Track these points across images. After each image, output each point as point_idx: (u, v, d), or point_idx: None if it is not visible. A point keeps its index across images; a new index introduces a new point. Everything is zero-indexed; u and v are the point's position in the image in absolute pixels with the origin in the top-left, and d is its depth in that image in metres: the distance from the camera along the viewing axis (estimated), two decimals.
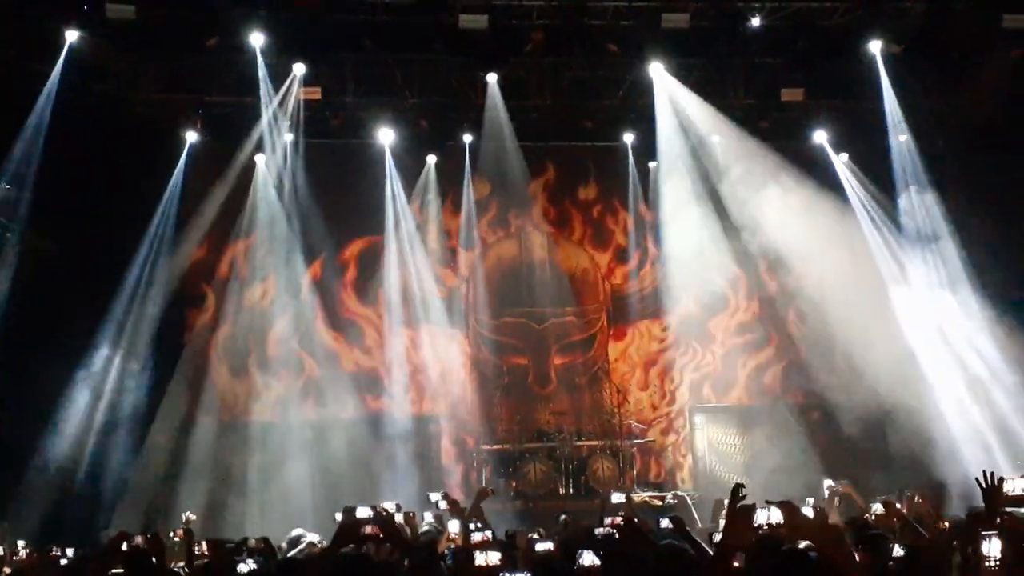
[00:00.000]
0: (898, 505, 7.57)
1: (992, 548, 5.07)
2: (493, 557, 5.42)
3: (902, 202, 16.14)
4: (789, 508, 5.23)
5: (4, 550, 8.95)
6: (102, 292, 14.59)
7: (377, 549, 5.85)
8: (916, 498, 8.12)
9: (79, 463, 13.69)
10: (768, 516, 5.22)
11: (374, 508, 6.74)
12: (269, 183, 16.27)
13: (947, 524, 7.68)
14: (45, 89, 13.55)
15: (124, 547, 5.87)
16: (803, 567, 4.16)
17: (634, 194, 17.36)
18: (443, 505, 9.53)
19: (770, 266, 17.23)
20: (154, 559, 5.68)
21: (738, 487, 6.05)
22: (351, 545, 5.50)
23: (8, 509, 11.75)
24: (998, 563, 4.97)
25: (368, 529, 5.51)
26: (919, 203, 15.93)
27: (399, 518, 8.09)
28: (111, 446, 14.26)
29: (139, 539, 5.93)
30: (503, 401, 16.49)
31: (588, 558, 5.21)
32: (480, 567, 5.34)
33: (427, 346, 16.97)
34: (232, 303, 16.34)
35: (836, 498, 7.22)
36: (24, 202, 13.56)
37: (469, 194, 16.98)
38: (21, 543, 9.63)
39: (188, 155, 15.76)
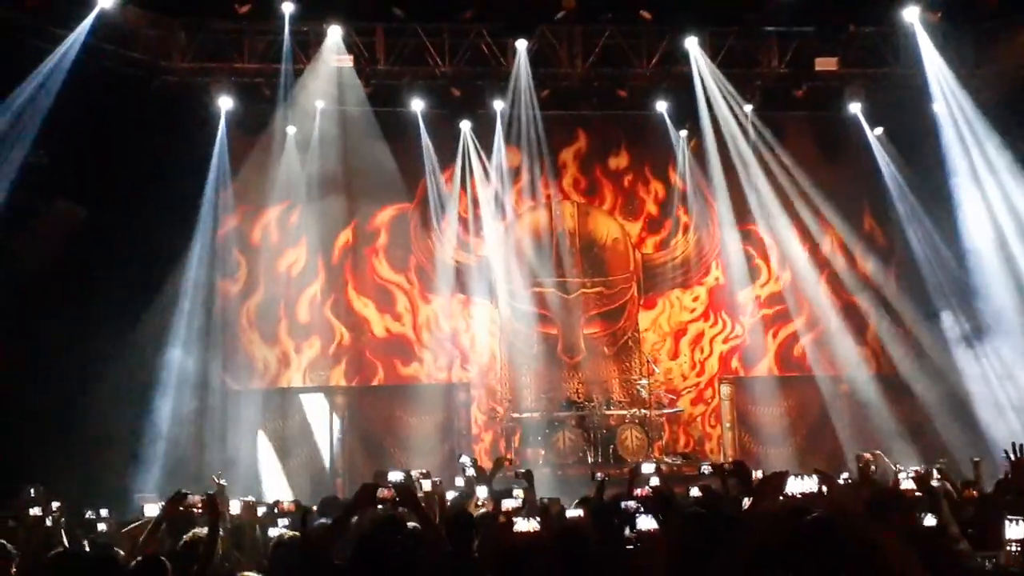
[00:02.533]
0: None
1: (1015, 531, 4.99)
2: (532, 524, 5.44)
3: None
4: (826, 478, 5.22)
5: (40, 511, 9.04)
6: (134, 258, 14.64)
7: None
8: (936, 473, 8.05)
9: (116, 428, 13.79)
10: (803, 485, 5.20)
11: (407, 472, 6.79)
12: (301, 151, 16.29)
13: (975, 493, 7.64)
14: (61, 49, 13.43)
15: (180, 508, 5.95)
16: (826, 535, 4.15)
17: (668, 163, 17.26)
18: (470, 471, 9.60)
19: (803, 237, 17.20)
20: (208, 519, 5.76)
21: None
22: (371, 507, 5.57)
23: (47, 473, 11.87)
24: (1020, 547, 4.90)
25: (383, 493, 5.54)
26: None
27: (427, 485, 8.14)
28: (146, 411, 14.37)
29: (196, 499, 5.99)
30: (533, 370, 16.51)
31: (646, 522, 5.14)
32: (519, 534, 5.36)
33: (457, 314, 17.04)
34: (264, 270, 16.44)
35: (871, 467, 7.19)
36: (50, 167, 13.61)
37: (501, 162, 16.87)
38: (56, 504, 9.71)
39: (228, 124, 15.76)
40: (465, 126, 16.64)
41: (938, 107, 15.53)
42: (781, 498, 5.43)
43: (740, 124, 16.53)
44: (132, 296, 14.41)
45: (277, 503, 7.89)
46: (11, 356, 12.80)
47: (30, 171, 13.22)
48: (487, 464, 11.13)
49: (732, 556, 4.30)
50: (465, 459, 8.78)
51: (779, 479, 4.87)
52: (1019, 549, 4.84)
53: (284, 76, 15.14)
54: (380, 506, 5.86)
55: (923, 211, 16.40)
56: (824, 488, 5.05)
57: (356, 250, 16.93)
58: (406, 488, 5.56)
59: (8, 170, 13.24)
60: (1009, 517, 4.92)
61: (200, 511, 5.97)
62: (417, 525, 5.65)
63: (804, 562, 4.08)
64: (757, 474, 7.68)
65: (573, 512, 6.89)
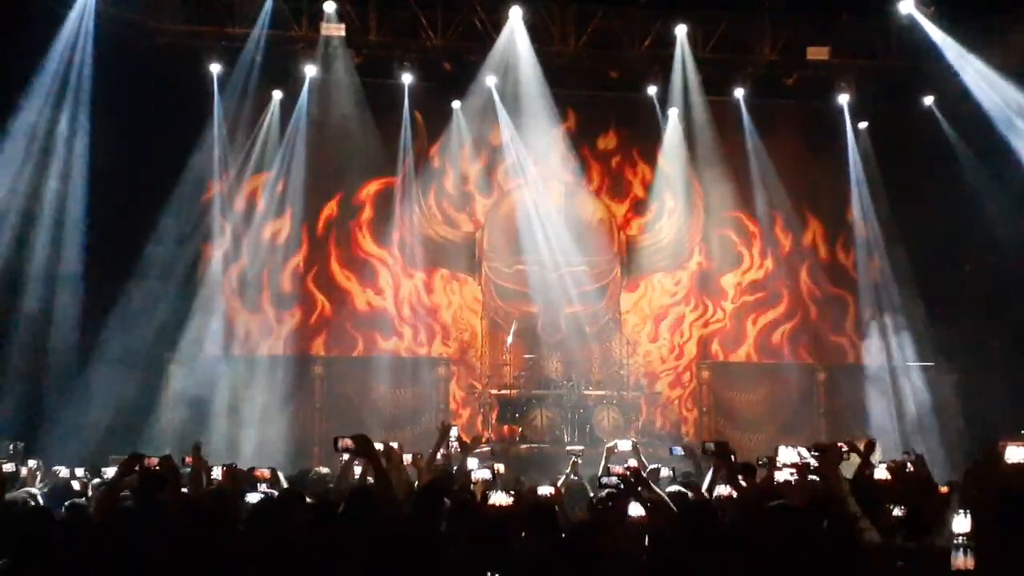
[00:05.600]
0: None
1: (961, 525, 5.06)
2: (506, 498, 5.50)
3: None
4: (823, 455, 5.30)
5: (15, 467, 9.06)
6: (118, 222, 14.64)
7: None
8: (908, 465, 8.12)
9: (102, 391, 13.82)
10: (792, 455, 5.30)
11: (384, 443, 6.81)
12: (289, 120, 16.24)
13: (945, 489, 7.72)
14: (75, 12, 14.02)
15: (137, 469, 5.95)
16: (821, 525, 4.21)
17: (657, 146, 17.25)
18: (454, 444, 9.65)
19: (786, 225, 17.32)
20: (167, 481, 5.77)
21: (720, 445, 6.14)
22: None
23: (32, 432, 11.94)
24: (965, 538, 4.96)
25: (345, 443, 5.61)
26: None
27: (407, 459, 8.16)
28: (127, 375, 14.36)
29: (152, 460, 5.99)
30: (513, 347, 16.54)
31: (635, 509, 5.14)
32: (492, 507, 5.42)
33: (439, 290, 17.07)
34: (248, 238, 16.38)
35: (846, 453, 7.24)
36: None
37: (506, 136, 16.72)
38: (32, 463, 9.70)
39: (219, 89, 15.71)
40: (456, 105, 16.60)
41: (973, 86, 15.12)
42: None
43: (728, 111, 16.65)
44: (118, 260, 14.46)
45: (252, 470, 7.91)
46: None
47: None
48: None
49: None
50: (454, 431, 8.76)
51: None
52: (963, 542, 4.92)
53: (256, 42, 15.20)
54: (344, 456, 5.96)
55: (905, 207, 16.53)
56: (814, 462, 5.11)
57: (341, 223, 16.89)
58: (364, 438, 5.62)
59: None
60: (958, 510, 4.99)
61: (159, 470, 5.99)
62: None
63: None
64: None
65: (544, 489, 6.95)
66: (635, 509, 5.22)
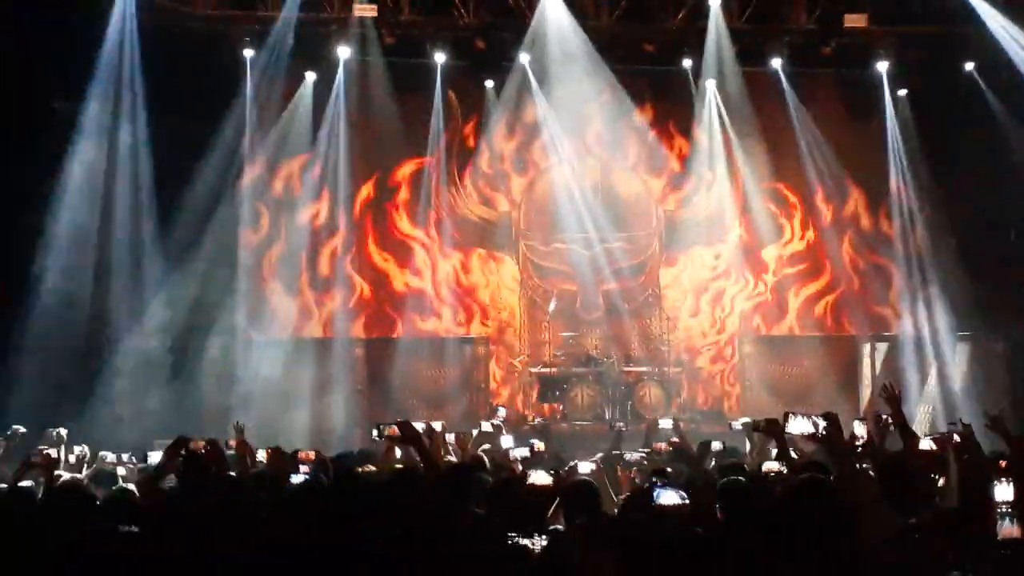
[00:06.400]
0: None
1: (1004, 493, 4.95)
2: (546, 478, 5.43)
3: None
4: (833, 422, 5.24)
5: (59, 454, 9.14)
6: (160, 206, 14.78)
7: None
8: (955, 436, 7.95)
9: (138, 374, 13.98)
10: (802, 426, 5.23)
11: (427, 424, 6.80)
12: (323, 102, 16.23)
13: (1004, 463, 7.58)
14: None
15: (183, 453, 5.94)
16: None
17: (693, 119, 17.06)
18: (486, 425, 9.69)
19: (828, 196, 17.09)
20: (212, 464, 5.77)
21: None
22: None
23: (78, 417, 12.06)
24: (1009, 507, 4.86)
25: (390, 430, 5.60)
26: None
27: (450, 438, 8.16)
28: (167, 360, 14.49)
29: (200, 443, 5.98)
30: (551, 326, 16.46)
31: (669, 497, 4.70)
32: (532, 486, 5.34)
33: (476, 269, 17.04)
34: (286, 222, 16.42)
35: (890, 428, 7.09)
36: None
37: (540, 113, 16.68)
38: (78, 449, 9.78)
39: (252, 73, 15.69)
40: (488, 84, 16.52)
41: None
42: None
43: (764, 81, 16.44)
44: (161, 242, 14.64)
45: (296, 452, 7.92)
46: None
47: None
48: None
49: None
50: (501, 411, 8.87)
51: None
52: (1008, 511, 4.82)
53: (288, 24, 15.15)
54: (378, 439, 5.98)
55: (947, 174, 16.29)
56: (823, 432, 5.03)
57: (377, 204, 16.89)
58: (407, 425, 5.60)
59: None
60: (999, 479, 4.90)
61: (205, 454, 5.97)
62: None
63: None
64: None
65: (585, 467, 6.89)
66: (670, 498, 4.87)
